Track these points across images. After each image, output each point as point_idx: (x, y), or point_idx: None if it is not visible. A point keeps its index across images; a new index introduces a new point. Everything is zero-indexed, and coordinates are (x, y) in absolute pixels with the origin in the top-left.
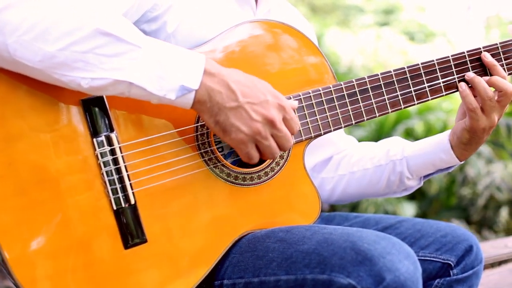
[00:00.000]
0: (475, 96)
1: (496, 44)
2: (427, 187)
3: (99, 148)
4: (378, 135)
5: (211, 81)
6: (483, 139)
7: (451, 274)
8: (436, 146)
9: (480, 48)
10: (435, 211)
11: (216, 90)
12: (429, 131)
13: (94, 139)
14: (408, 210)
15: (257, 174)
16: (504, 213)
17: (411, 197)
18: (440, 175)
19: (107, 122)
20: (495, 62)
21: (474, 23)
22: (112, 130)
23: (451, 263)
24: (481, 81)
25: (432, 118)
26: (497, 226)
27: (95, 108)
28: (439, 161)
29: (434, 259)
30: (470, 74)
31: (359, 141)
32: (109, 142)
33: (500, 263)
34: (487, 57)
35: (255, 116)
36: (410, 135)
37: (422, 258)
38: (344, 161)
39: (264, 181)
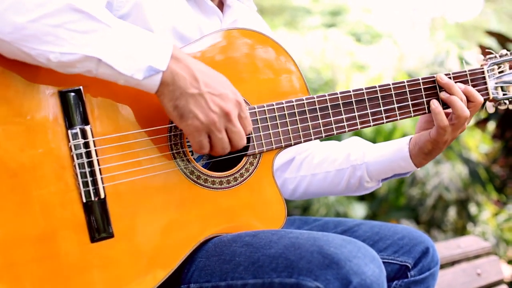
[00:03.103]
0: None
1: (465, 71)
2: (377, 188)
3: (73, 140)
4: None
5: (177, 66)
6: (443, 149)
7: (409, 275)
8: (396, 153)
9: (449, 74)
10: (385, 212)
11: (180, 75)
12: (378, 133)
13: (69, 131)
14: (359, 210)
15: (226, 179)
16: (452, 212)
17: (361, 198)
18: None
19: (82, 115)
20: (452, 82)
21: (419, 25)
22: (87, 123)
23: (409, 265)
24: (458, 100)
25: None
26: (445, 225)
27: (72, 100)
28: (397, 167)
29: (392, 261)
30: (445, 94)
31: None
32: (84, 135)
33: (453, 263)
34: (442, 78)
35: (213, 107)
36: (358, 135)
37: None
38: (305, 162)
39: (233, 186)
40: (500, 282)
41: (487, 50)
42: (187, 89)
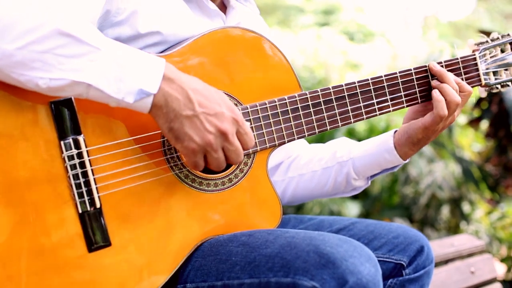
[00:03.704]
0: None
1: (457, 58)
2: (370, 187)
3: (66, 151)
4: (321, 134)
5: (169, 86)
6: (431, 139)
7: (404, 274)
8: (380, 146)
9: (441, 62)
10: (378, 210)
11: (173, 96)
12: (372, 131)
13: (62, 142)
14: (352, 209)
15: (221, 180)
16: (445, 211)
17: (355, 196)
18: (383, 175)
19: (75, 125)
20: (444, 70)
21: (412, 24)
22: (79, 133)
23: (404, 263)
24: (449, 87)
25: (374, 118)
26: (438, 224)
27: (63, 110)
28: (383, 161)
29: (387, 259)
30: (436, 82)
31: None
32: (77, 145)
33: (447, 261)
34: (435, 66)
35: (209, 127)
36: (352, 135)
37: None
38: (293, 164)
39: (228, 187)
40: (493, 280)
41: (480, 34)
42: (181, 111)
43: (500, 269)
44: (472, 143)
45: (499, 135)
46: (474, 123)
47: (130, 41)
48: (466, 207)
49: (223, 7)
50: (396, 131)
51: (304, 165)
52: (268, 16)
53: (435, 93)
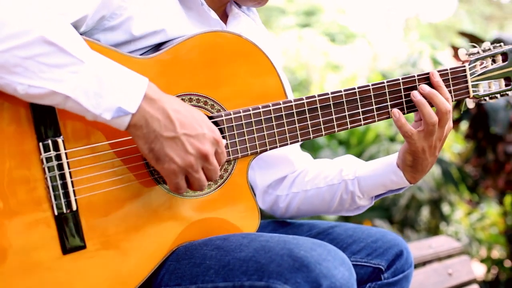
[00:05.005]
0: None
1: (447, 69)
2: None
3: (44, 152)
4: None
5: (150, 107)
6: (427, 159)
7: (382, 278)
8: (387, 167)
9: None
10: None
11: (154, 117)
12: (352, 134)
13: (40, 143)
14: None
15: None
16: (425, 212)
17: None
18: None
19: (54, 126)
20: (441, 83)
21: (393, 25)
22: (59, 135)
23: (382, 268)
24: (426, 105)
25: None
26: (418, 225)
27: (43, 112)
28: (389, 182)
29: (365, 264)
30: (417, 95)
31: None
32: (55, 147)
33: (424, 263)
34: (435, 76)
35: (190, 149)
36: (332, 136)
37: (354, 263)
38: (298, 179)
39: (207, 193)
40: (471, 281)
41: (471, 44)
42: (162, 132)
43: (480, 270)
44: (452, 144)
45: (478, 136)
46: (454, 124)
47: (122, 46)
48: (445, 208)
49: (225, 16)
50: None
51: (309, 181)
52: None
53: (394, 116)
